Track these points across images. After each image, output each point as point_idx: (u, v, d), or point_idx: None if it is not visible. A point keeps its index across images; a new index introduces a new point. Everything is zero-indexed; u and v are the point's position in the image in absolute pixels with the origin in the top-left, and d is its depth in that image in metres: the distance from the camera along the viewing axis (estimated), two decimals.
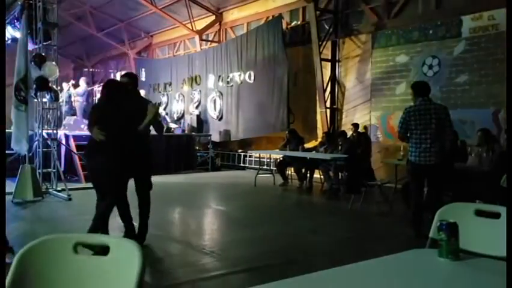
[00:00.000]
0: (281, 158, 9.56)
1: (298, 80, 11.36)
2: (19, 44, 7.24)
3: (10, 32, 8.78)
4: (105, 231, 3.99)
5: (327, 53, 10.62)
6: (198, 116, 13.17)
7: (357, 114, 10.17)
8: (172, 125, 13.17)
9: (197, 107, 13.76)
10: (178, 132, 12.90)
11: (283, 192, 8.60)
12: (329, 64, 10.66)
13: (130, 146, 3.94)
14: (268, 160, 11.31)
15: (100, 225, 3.92)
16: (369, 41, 9.96)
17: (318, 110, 10.69)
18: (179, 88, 14.77)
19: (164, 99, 15.41)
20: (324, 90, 10.45)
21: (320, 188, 8.52)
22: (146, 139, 4.32)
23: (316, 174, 8.68)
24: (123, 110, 3.92)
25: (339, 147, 8.39)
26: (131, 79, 4.34)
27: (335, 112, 10.70)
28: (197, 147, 12.64)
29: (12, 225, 5.39)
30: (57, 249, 1.39)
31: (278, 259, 4.18)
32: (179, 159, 11.24)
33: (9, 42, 9.25)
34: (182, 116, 14.50)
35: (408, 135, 4.74)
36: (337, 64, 10.70)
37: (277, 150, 9.66)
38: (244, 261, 4.10)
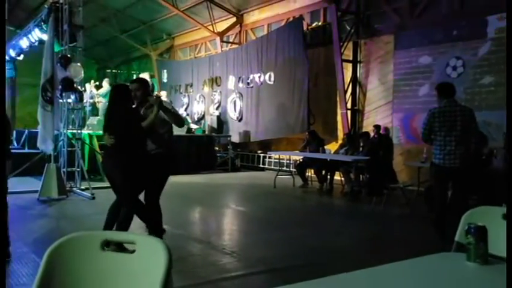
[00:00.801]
0: (301, 160, 9.52)
1: (318, 81, 11.30)
2: (46, 46, 7.44)
3: (37, 34, 9.02)
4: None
5: (348, 54, 10.53)
6: (218, 117, 13.25)
7: (379, 116, 10.04)
8: (193, 126, 13.29)
9: (217, 108, 13.84)
10: (198, 133, 13.02)
11: (303, 194, 8.57)
12: (350, 65, 10.57)
13: (139, 149, 4.00)
14: (288, 161, 11.27)
15: (124, 229, 3.98)
16: (391, 42, 9.83)
17: (339, 111, 10.60)
18: (200, 89, 14.89)
19: (185, 100, 15.57)
20: (345, 92, 10.36)
21: (341, 190, 8.45)
22: (165, 140, 4.29)
23: (337, 176, 8.61)
24: (126, 115, 4.00)
25: (360, 149, 8.31)
26: (140, 84, 4.30)
27: (356, 113, 10.60)
28: (217, 148, 12.73)
29: (39, 222, 5.55)
30: (85, 246, 1.42)
31: (298, 261, 4.17)
32: (200, 160, 11.35)
33: (36, 44, 9.52)
34: (203, 117, 14.61)
35: (432, 137, 4.66)
36: (358, 65, 10.60)
37: (297, 151, 9.62)
38: (265, 262, 4.11)
